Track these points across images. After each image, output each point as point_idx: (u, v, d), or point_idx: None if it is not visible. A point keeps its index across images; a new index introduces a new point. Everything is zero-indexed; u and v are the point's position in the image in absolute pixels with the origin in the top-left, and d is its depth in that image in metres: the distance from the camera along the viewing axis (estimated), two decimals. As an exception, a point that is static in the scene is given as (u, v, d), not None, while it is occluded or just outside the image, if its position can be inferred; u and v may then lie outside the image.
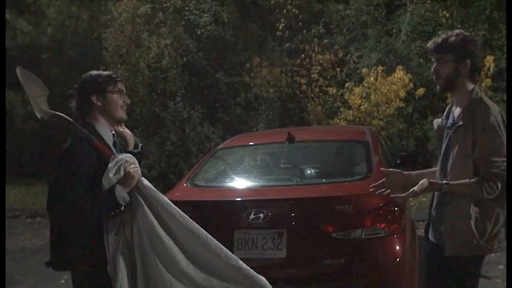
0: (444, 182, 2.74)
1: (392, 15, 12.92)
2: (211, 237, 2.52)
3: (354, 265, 3.41)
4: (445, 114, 2.99)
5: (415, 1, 12.23)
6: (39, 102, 2.63)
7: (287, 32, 12.69)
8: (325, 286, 3.46)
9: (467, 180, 2.68)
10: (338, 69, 12.17)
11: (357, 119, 10.32)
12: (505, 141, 2.69)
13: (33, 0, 15.12)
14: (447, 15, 11.78)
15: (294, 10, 12.64)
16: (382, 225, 3.44)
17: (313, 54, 12.00)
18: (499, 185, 2.65)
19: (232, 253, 2.58)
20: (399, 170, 3.08)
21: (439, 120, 3.03)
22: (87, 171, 2.48)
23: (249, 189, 4.05)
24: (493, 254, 2.88)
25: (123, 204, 2.46)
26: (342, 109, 10.89)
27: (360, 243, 3.42)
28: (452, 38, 2.76)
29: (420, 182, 2.73)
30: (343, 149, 4.60)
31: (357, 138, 4.70)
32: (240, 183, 4.17)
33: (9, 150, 11.57)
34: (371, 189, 2.99)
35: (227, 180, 4.35)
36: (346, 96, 10.71)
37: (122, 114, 2.71)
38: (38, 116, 2.62)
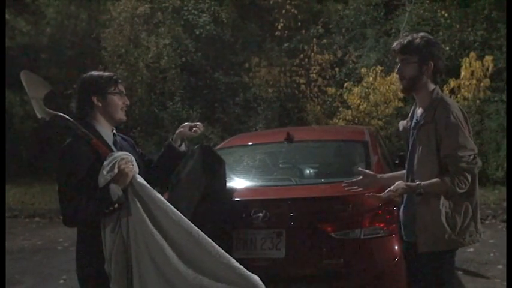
0: (417, 183, 2.80)
1: (391, 15, 12.94)
2: (204, 234, 2.50)
3: (352, 265, 3.41)
4: (409, 115, 3.09)
5: (414, 1, 12.23)
6: (43, 103, 2.66)
7: (286, 32, 12.70)
8: (324, 286, 3.45)
9: (438, 179, 2.75)
10: (337, 69, 12.19)
11: (356, 119, 10.33)
12: (468, 136, 2.78)
13: (32, 0, 15.10)
14: (446, 15, 11.80)
15: (292, 10, 12.66)
16: (381, 225, 3.43)
17: (312, 54, 12.01)
18: (469, 178, 2.74)
19: (231, 253, 2.57)
20: (373, 173, 3.22)
21: (404, 122, 3.13)
22: (83, 169, 2.53)
23: (248, 189, 4.04)
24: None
25: (117, 201, 2.47)
26: (340, 109, 10.90)
27: (359, 243, 3.41)
28: (418, 40, 2.89)
29: (396, 183, 2.83)
30: (342, 149, 4.59)
31: (356, 138, 4.70)
32: (238, 183, 4.16)
33: (8, 150, 11.57)
34: (342, 185, 3.14)
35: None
36: (345, 96, 10.72)
37: (121, 115, 2.78)
38: (39, 116, 2.65)
